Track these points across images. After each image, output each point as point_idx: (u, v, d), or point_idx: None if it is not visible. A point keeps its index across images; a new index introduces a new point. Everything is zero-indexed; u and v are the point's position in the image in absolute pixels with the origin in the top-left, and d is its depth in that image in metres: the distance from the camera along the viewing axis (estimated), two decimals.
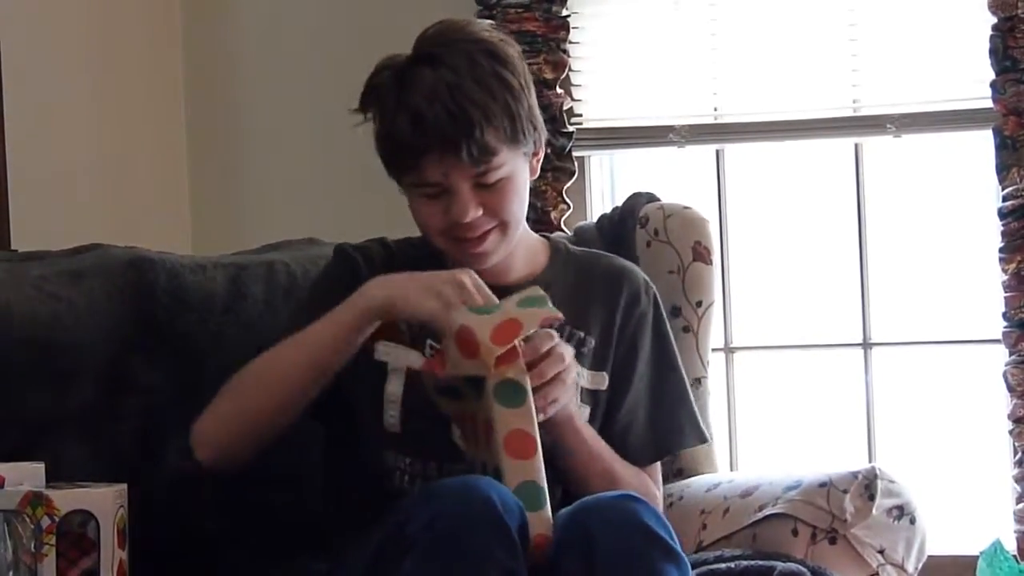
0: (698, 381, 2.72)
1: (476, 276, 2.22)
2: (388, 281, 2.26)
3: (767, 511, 2.41)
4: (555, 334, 2.20)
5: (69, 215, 3.65)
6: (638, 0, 3.70)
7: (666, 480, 2.56)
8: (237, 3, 3.97)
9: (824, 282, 3.77)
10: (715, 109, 3.69)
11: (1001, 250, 3.41)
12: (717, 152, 3.74)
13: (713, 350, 2.81)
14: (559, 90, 3.64)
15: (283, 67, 3.92)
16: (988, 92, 3.43)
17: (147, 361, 2.57)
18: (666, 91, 3.69)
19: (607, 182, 3.84)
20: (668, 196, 2.85)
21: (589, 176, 3.77)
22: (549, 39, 3.64)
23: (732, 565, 2.29)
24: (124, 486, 2.24)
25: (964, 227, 3.67)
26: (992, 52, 3.40)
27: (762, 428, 3.75)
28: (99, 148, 3.81)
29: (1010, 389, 3.41)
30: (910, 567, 2.37)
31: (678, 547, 2.09)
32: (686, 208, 2.80)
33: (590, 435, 2.34)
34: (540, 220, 3.54)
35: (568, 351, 2.20)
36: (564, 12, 3.66)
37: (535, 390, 2.14)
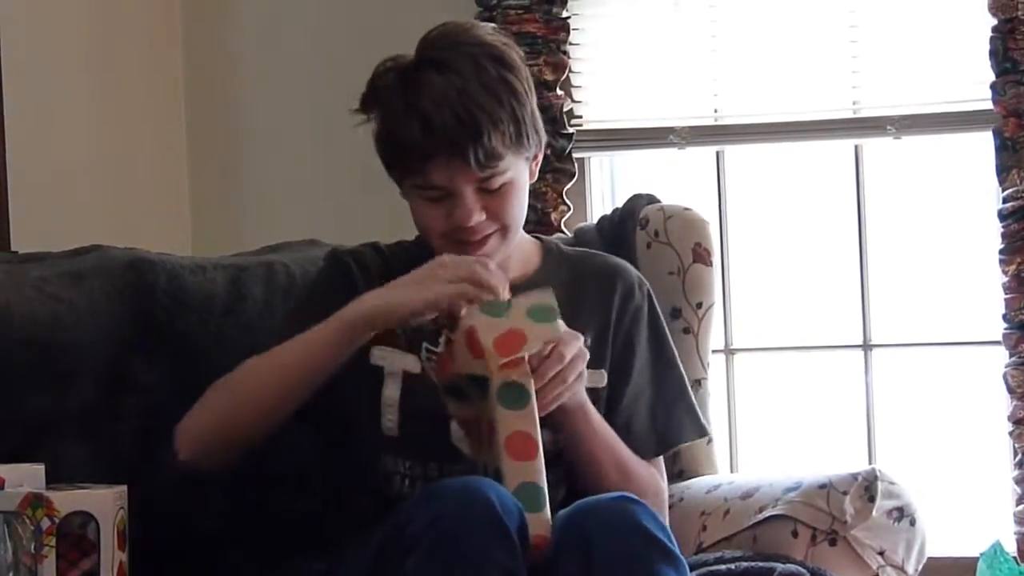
0: (698, 382, 2.72)
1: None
2: (376, 294, 2.26)
3: (767, 512, 2.41)
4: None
5: (69, 216, 3.64)
6: (638, 1, 3.69)
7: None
8: (237, 3, 3.97)
9: (824, 284, 3.76)
10: (715, 111, 3.69)
11: (1001, 252, 3.40)
12: (717, 153, 3.74)
13: (713, 351, 2.81)
14: (559, 91, 3.63)
15: (283, 67, 3.91)
16: (988, 94, 3.42)
17: (147, 362, 2.57)
18: (666, 92, 3.69)
19: (607, 183, 3.83)
20: (668, 197, 2.85)
21: (589, 177, 3.77)
22: (549, 40, 3.64)
23: (732, 566, 2.30)
24: (124, 487, 2.23)
25: (964, 229, 3.66)
26: (992, 54, 3.40)
27: (762, 430, 3.75)
28: (99, 148, 3.80)
29: (1010, 391, 3.41)
30: (910, 569, 2.37)
31: (676, 549, 2.09)
32: (686, 209, 2.80)
33: (601, 424, 2.34)
34: (540, 222, 3.54)
35: (570, 347, 2.20)
36: (564, 13, 3.66)
37: (537, 391, 2.14)
